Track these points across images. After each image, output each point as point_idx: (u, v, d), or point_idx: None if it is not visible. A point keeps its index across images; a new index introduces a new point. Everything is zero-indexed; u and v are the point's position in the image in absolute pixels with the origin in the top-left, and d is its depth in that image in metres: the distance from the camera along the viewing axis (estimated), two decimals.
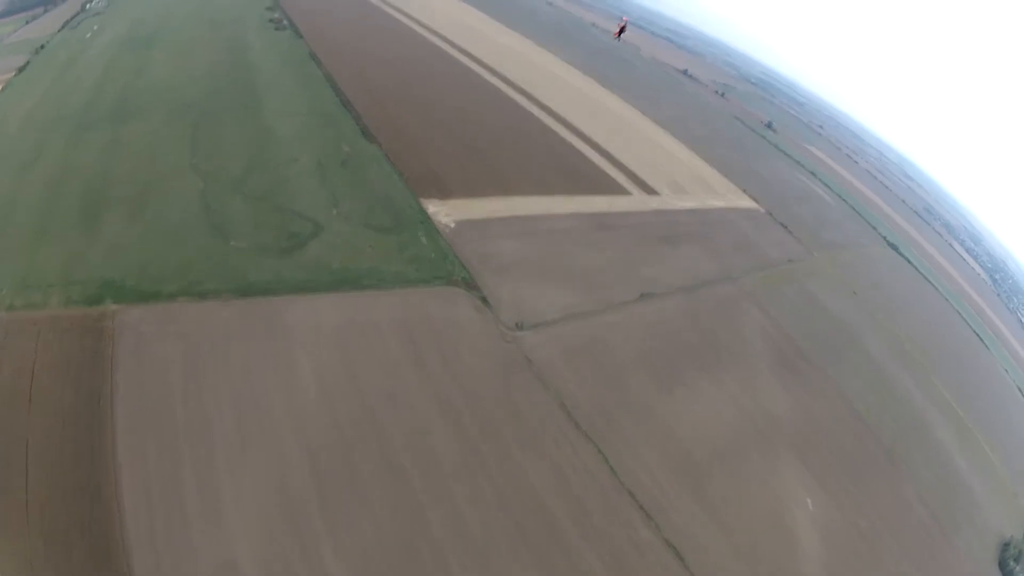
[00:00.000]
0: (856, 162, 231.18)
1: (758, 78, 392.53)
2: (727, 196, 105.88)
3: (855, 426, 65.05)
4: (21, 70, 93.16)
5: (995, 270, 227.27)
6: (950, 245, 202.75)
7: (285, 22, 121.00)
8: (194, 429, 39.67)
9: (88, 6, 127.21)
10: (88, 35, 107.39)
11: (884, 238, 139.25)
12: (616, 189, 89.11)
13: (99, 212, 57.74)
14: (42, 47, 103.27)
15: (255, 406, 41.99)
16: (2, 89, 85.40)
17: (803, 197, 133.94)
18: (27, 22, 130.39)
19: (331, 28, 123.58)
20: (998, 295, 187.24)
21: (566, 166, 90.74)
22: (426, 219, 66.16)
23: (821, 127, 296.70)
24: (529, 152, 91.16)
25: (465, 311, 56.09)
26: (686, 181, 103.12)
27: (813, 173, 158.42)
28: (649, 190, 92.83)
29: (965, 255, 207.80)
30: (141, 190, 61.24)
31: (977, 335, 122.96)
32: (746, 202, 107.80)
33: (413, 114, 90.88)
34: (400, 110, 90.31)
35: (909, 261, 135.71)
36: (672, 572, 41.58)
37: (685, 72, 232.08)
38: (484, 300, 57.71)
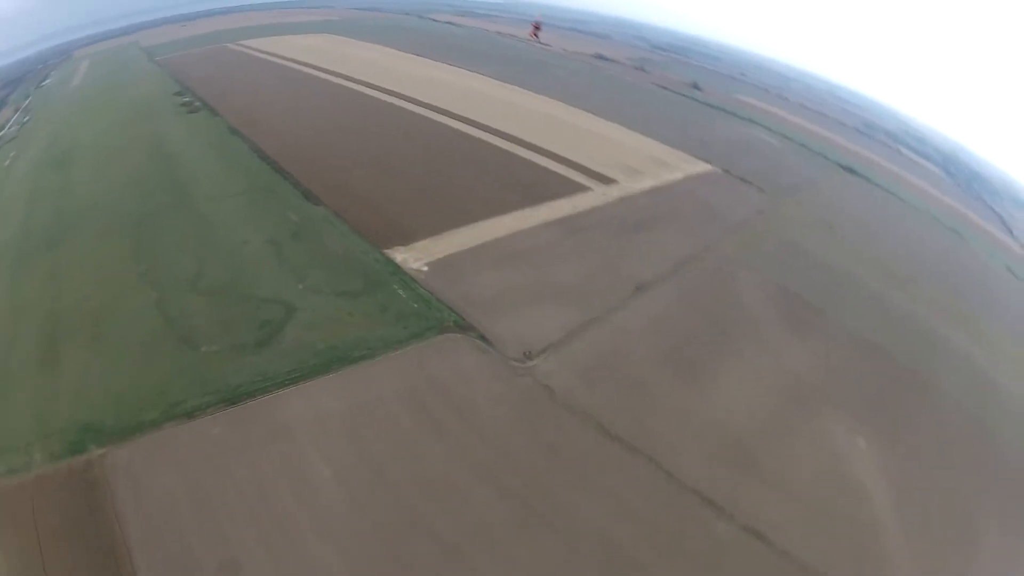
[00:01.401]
0: (786, 99, 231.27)
1: (668, 44, 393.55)
2: (681, 166, 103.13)
3: (876, 358, 62.17)
4: None
5: (947, 164, 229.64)
6: (899, 152, 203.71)
7: (197, 103, 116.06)
8: (220, 558, 34.08)
9: (1, 133, 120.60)
10: (7, 163, 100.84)
11: (838, 164, 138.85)
12: (574, 188, 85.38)
13: (57, 351, 51.38)
14: None
15: (278, 527, 36.42)
16: None
17: (750, 147, 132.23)
18: None
19: (244, 97, 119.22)
20: (958, 186, 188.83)
21: (518, 179, 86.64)
22: (396, 270, 61.35)
23: (743, 74, 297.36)
24: (478, 174, 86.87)
25: (468, 356, 51.28)
26: (637, 162, 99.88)
27: (751, 120, 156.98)
28: (606, 180, 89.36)
29: (916, 157, 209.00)
30: (94, 316, 55.18)
31: (953, 230, 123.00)
32: (700, 167, 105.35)
33: (351, 165, 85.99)
34: (337, 164, 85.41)
35: (869, 180, 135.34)
36: (761, 556, 37.71)
37: (600, 56, 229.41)
38: (483, 338, 53.03)
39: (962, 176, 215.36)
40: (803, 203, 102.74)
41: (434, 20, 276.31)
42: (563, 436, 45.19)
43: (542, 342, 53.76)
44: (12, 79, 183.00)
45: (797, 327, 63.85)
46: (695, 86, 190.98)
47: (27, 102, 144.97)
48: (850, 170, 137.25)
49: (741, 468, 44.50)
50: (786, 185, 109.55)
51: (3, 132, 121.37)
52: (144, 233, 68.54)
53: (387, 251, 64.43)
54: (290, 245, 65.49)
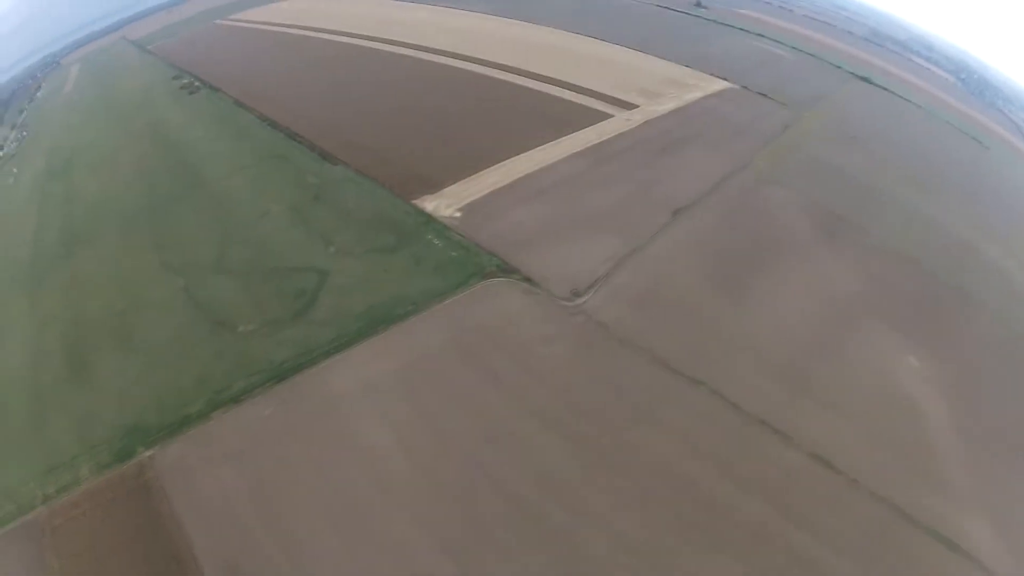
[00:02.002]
0: (790, 11, 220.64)
1: None
2: (698, 85, 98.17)
3: (915, 272, 59.84)
4: None
5: (959, 71, 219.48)
6: (910, 60, 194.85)
7: (196, 83, 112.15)
8: (292, 556, 32.07)
9: (1, 153, 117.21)
10: (11, 180, 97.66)
11: (853, 74, 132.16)
12: (597, 116, 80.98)
13: (88, 358, 49.17)
14: None
15: (345, 503, 34.26)
16: None
17: (764, 61, 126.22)
18: None
19: (244, 69, 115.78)
20: (971, 94, 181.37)
21: (539, 113, 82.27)
22: (428, 219, 57.75)
23: None
24: (497, 114, 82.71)
25: (515, 300, 48.27)
26: (655, 85, 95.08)
27: (760, 35, 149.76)
28: (627, 105, 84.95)
29: (927, 65, 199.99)
30: (121, 316, 52.82)
31: (974, 139, 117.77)
32: (718, 84, 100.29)
33: (365, 120, 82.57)
34: (350, 121, 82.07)
35: (886, 89, 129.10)
36: (829, 482, 35.75)
37: None
38: (528, 280, 49.87)
39: (974, 83, 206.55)
40: (824, 115, 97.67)
41: None
42: (623, 373, 42.54)
43: (588, 277, 50.69)
44: (3, 99, 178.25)
45: (836, 243, 60.84)
46: (698, 3, 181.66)
47: (22, 117, 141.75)
48: (866, 80, 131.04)
49: (800, 391, 42.14)
50: (805, 98, 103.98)
51: (2, 152, 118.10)
52: (160, 223, 65.74)
53: (415, 201, 60.86)
54: (313, 209, 62.13)
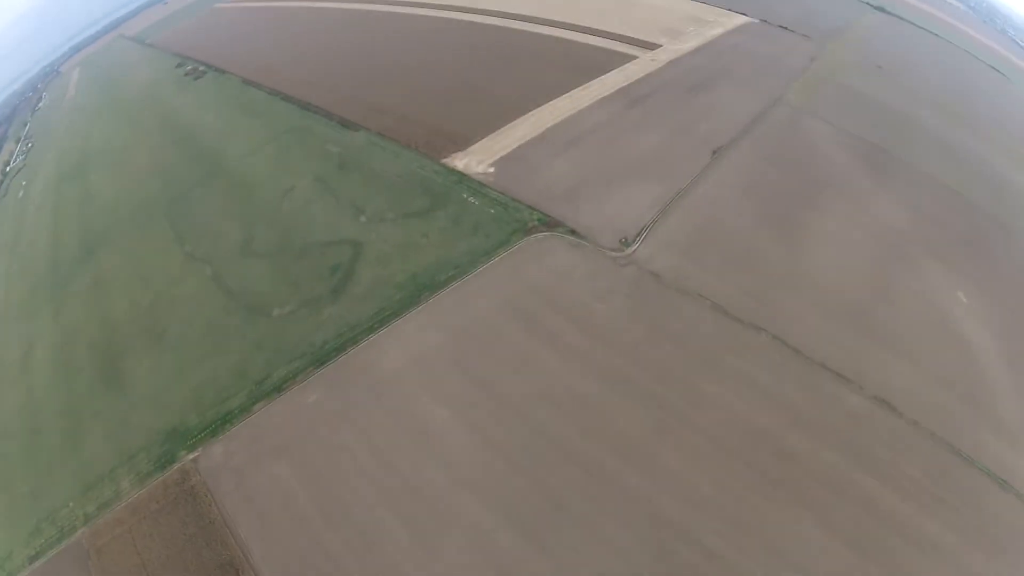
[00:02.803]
0: None
1: None
2: (718, 21, 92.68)
3: (958, 205, 56.38)
4: None
5: None
6: None
7: (201, 68, 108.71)
8: (360, 556, 29.59)
9: (8, 168, 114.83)
10: (20, 194, 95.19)
11: (867, 3, 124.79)
12: (621, 59, 76.14)
13: (120, 363, 46.51)
14: None
15: (410, 489, 31.79)
16: None
17: None
18: None
19: (250, 48, 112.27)
20: (982, 21, 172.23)
21: (561, 60, 77.66)
22: (462, 178, 53.89)
23: None
24: (518, 64, 78.10)
25: (563, 254, 44.89)
26: (675, 23, 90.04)
27: None
28: (650, 45, 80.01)
29: None
30: (150, 313, 50.15)
31: (993, 68, 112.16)
32: (737, 19, 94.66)
33: (381, 83, 78.40)
34: (366, 86, 78.06)
35: (901, 18, 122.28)
36: (894, 426, 34.12)
37: None
38: (574, 232, 46.40)
39: (983, 10, 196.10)
40: (847, 46, 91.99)
41: None
42: (683, 323, 39.52)
43: (635, 225, 47.09)
44: (6, 116, 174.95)
45: (880, 175, 57.12)
46: None
47: (26, 129, 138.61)
48: (881, 9, 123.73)
49: (859, 332, 39.51)
50: (827, 29, 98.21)
51: (10, 167, 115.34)
52: (181, 213, 62.57)
53: (445, 160, 56.93)
54: (339, 178, 58.52)
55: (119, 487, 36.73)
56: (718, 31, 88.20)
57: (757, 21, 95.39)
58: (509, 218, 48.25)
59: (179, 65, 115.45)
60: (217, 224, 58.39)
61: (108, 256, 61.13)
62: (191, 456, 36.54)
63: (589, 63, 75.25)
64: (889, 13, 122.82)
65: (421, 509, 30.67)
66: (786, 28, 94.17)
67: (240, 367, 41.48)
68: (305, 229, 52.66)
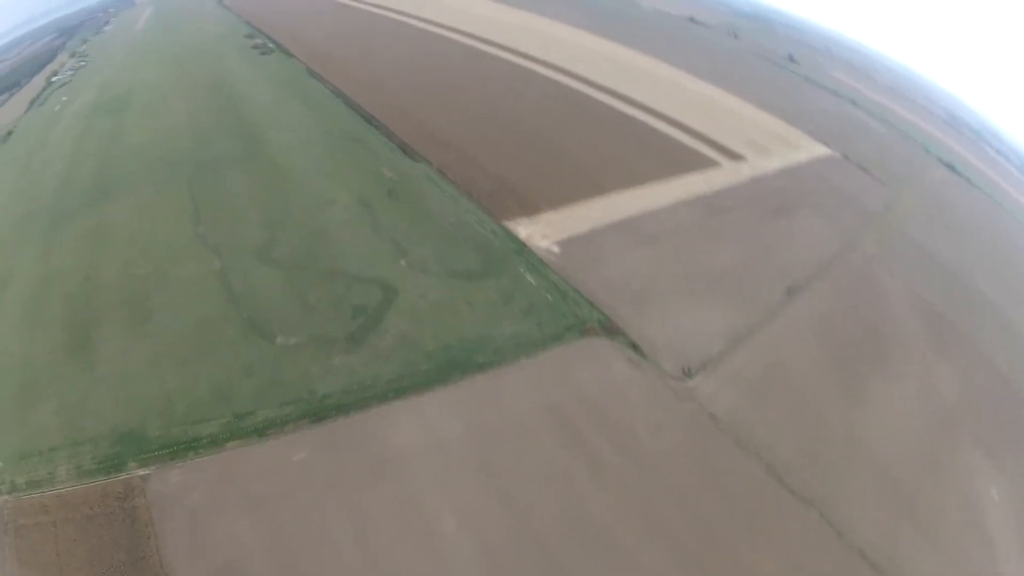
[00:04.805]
0: (874, 79, 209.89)
1: (750, 12, 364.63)
2: (803, 146, 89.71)
3: (1004, 390, 53.16)
4: None
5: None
6: (983, 150, 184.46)
7: (270, 45, 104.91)
8: None
9: (55, 79, 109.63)
10: (57, 108, 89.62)
11: (939, 159, 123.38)
12: (704, 162, 71.84)
13: (92, 333, 40.01)
14: (9, 133, 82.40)
15: None
16: None
17: (859, 130, 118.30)
18: None
19: (325, 41, 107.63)
20: None
21: (646, 147, 73.11)
22: (522, 248, 48.18)
23: (828, 49, 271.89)
24: (602, 139, 73.27)
25: (619, 368, 39.40)
26: (760, 137, 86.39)
27: (853, 101, 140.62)
28: (734, 156, 75.92)
29: (997, 157, 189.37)
30: (140, 288, 43.60)
31: None
32: (820, 149, 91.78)
33: (452, 117, 73.10)
34: (436, 115, 72.66)
35: (969, 181, 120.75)
36: None
37: (692, 20, 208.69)
38: (634, 347, 40.81)
39: None
40: (918, 199, 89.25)
41: None
42: (735, 481, 34.95)
43: (702, 354, 42.01)
44: (70, 26, 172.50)
45: (941, 345, 54.19)
46: (790, 58, 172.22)
47: (84, 47, 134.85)
48: (950, 167, 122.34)
49: (900, 514, 37.18)
50: (900, 176, 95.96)
51: (57, 77, 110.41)
52: (205, 185, 56.64)
53: (507, 222, 51.42)
54: (386, 207, 52.70)
55: (55, 471, 31.02)
56: (803, 156, 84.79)
57: (839, 155, 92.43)
58: (567, 311, 42.44)
59: (248, 35, 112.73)
60: (239, 211, 52.50)
61: (115, 205, 54.90)
62: (141, 471, 30.73)
63: (672, 157, 71.03)
64: (957, 172, 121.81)
65: None
66: (864, 168, 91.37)
67: (223, 389, 35.35)
68: (335, 253, 46.70)
